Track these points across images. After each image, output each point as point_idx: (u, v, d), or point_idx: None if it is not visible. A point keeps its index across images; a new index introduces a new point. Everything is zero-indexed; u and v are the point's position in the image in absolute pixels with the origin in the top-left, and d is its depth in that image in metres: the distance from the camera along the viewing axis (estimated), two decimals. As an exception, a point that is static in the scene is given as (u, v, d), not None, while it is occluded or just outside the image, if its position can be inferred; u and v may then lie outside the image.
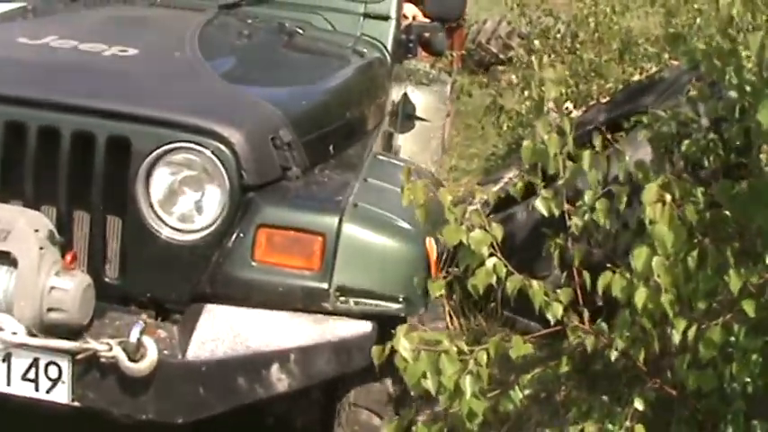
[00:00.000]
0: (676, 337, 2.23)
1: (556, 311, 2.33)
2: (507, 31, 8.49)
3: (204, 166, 2.40)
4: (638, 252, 2.14)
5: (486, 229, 2.27)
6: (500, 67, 6.90)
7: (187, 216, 2.43)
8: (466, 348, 2.20)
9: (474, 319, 3.94)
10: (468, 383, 2.15)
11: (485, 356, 2.20)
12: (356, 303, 2.42)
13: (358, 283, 2.42)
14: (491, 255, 2.26)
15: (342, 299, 2.41)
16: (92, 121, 2.41)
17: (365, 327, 2.43)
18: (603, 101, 5.13)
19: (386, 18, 3.69)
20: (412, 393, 2.24)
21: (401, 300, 2.44)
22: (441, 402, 2.23)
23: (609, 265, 2.32)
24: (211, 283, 2.42)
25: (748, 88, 2.40)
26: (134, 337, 2.27)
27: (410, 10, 4.16)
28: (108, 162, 2.39)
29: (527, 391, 2.34)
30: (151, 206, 2.40)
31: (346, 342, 2.42)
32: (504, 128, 5.52)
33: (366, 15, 3.67)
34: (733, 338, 2.24)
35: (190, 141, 2.39)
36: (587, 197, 2.48)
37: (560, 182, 2.48)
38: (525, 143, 2.50)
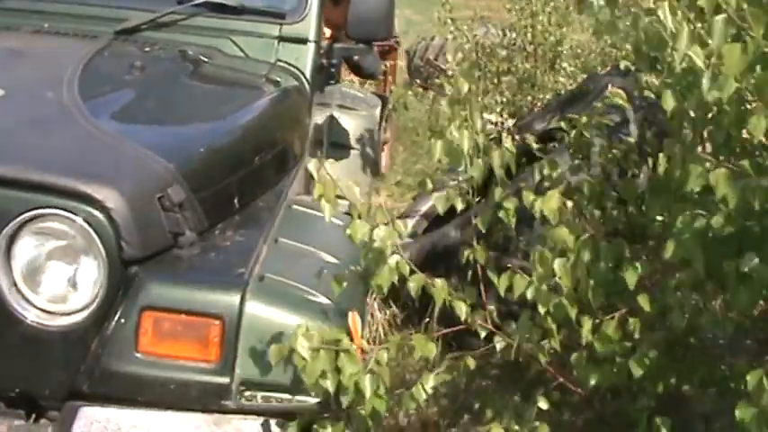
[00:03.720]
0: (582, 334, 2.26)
1: (460, 310, 2.35)
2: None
3: (76, 235, 2.07)
4: (539, 257, 2.17)
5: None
6: (437, 80, 6.99)
7: (58, 296, 2.09)
8: (367, 347, 2.21)
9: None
10: (367, 382, 2.14)
11: (385, 355, 2.21)
12: (265, 399, 2.10)
13: (266, 375, 2.08)
14: (394, 253, 2.27)
15: (247, 394, 2.09)
16: None
17: (276, 427, 2.11)
18: (536, 110, 5.22)
19: (304, 41, 3.29)
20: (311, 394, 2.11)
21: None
22: (343, 401, 2.22)
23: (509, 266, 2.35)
24: (89, 379, 2.06)
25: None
26: None
27: None
28: None
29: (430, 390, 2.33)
30: (14, 284, 2.07)
31: None
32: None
33: (282, 39, 3.28)
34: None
35: (58, 207, 2.05)
36: (496, 195, 2.50)
37: (462, 177, 2.50)
38: (435, 141, 2.50)
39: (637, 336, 2.24)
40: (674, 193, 2.21)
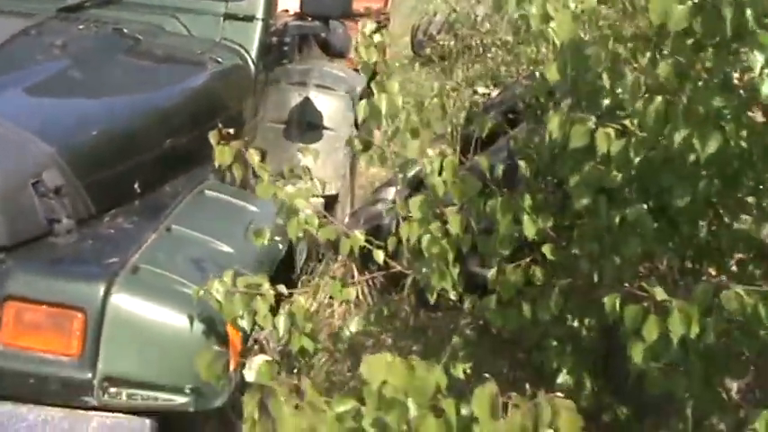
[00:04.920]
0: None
1: (378, 257, 2.51)
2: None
3: None
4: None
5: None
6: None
7: None
8: (286, 292, 2.38)
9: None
10: (281, 322, 2.32)
11: (302, 299, 2.38)
12: (129, 397, 1.99)
13: (131, 372, 1.99)
14: (306, 208, 2.42)
15: (111, 391, 1.98)
16: None
17: (140, 425, 2.00)
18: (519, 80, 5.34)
19: (251, 19, 3.24)
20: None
21: (188, 391, 2.02)
22: (274, 342, 2.38)
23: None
24: None
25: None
26: None
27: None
28: None
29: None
30: None
31: None
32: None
33: (228, 16, 3.23)
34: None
35: None
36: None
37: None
38: (360, 103, 2.64)
39: (539, 283, 2.41)
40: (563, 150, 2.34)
